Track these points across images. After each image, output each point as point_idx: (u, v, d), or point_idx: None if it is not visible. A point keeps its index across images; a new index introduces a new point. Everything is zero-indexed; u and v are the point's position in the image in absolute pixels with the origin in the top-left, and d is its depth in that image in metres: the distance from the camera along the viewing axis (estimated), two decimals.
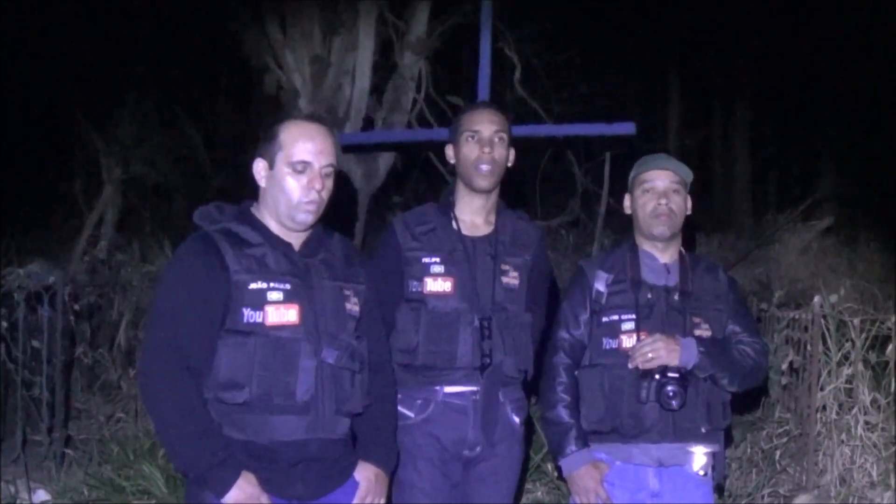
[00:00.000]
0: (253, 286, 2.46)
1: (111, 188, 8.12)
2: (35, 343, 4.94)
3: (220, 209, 2.60)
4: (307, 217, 2.55)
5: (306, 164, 2.52)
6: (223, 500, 2.39)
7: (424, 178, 8.28)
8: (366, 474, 2.65)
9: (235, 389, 2.42)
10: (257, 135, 2.62)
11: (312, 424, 2.50)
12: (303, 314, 2.50)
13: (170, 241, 6.38)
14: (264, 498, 2.42)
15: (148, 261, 6.13)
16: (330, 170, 2.57)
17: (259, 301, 2.45)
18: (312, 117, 2.71)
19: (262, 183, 2.58)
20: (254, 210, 2.61)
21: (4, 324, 4.81)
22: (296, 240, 2.59)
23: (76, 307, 5.23)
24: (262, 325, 2.45)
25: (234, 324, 2.44)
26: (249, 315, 2.44)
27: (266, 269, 2.49)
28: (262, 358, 2.44)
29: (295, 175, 2.52)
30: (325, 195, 2.57)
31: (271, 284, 2.48)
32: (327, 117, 6.53)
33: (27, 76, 8.06)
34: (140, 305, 5.73)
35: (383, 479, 2.70)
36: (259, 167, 2.57)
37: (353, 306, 2.63)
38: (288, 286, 2.49)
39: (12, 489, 4.39)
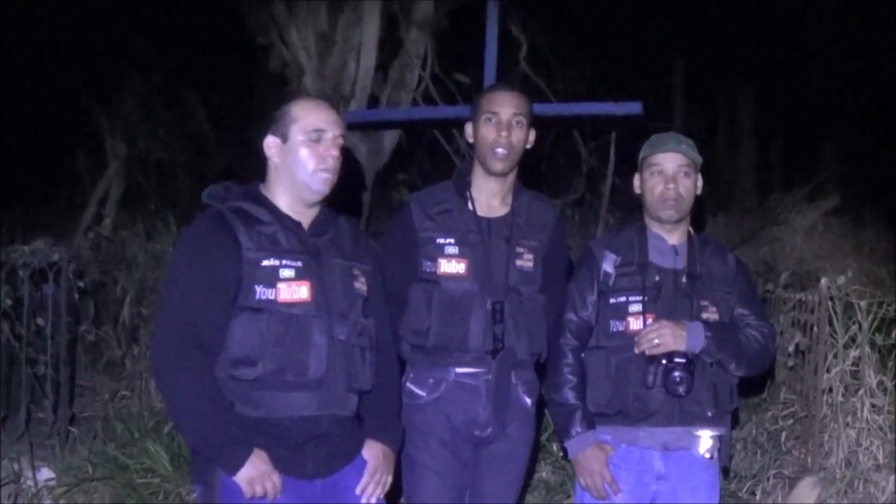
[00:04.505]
0: (266, 263, 2.47)
1: (115, 165, 8.09)
2: (39, 320, 4.92)
3: (228, 189, 2.61)
4: (323, 187, 2.57)
5: (321, 131, 2.54)
6: (235, 478, 2.40)
7: (430, 156, 8.24)
8: (374, 452, 2.67)
9: (248, 366, 2.44)
10: (262, 112, 2.62)
11: (324, 400, 2.52)
12: (314, 291, 2.51)
13: (174, 218, 6.35)
14: (276, 475, 2.45)
15: (153, 238, 6.10)
16: (341, 140, 2.60)
17: (271, 278, 2.47)
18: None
19: (275, 159, 2.58)
20: (262, 189, 2.62)
21: (9, 301, 4.80)
22: (305, 219, 2.60)
23: (81, 284, 5.20)
24: (274, 301, 2.46)
25: (247, 300, 2.45)
26: (262, 292, 2.46)
27: (278, 247, 2.50)
28: (275, 334, 2.45)
29: (310, 144, 2.54)
30: (338, 165, 2.59)
31: (283, 262, 2.49)
32: (333, 95, 6.51)
33: (30, 53, 8.03)
34: (145, 283, 5.70)
35: (391, 457, 2.73)
36: (271, 143, 2.58)
37: (361, 286, 2.66)
38: (299, 263, 2.51)
39: (16, 467, 4.39)
